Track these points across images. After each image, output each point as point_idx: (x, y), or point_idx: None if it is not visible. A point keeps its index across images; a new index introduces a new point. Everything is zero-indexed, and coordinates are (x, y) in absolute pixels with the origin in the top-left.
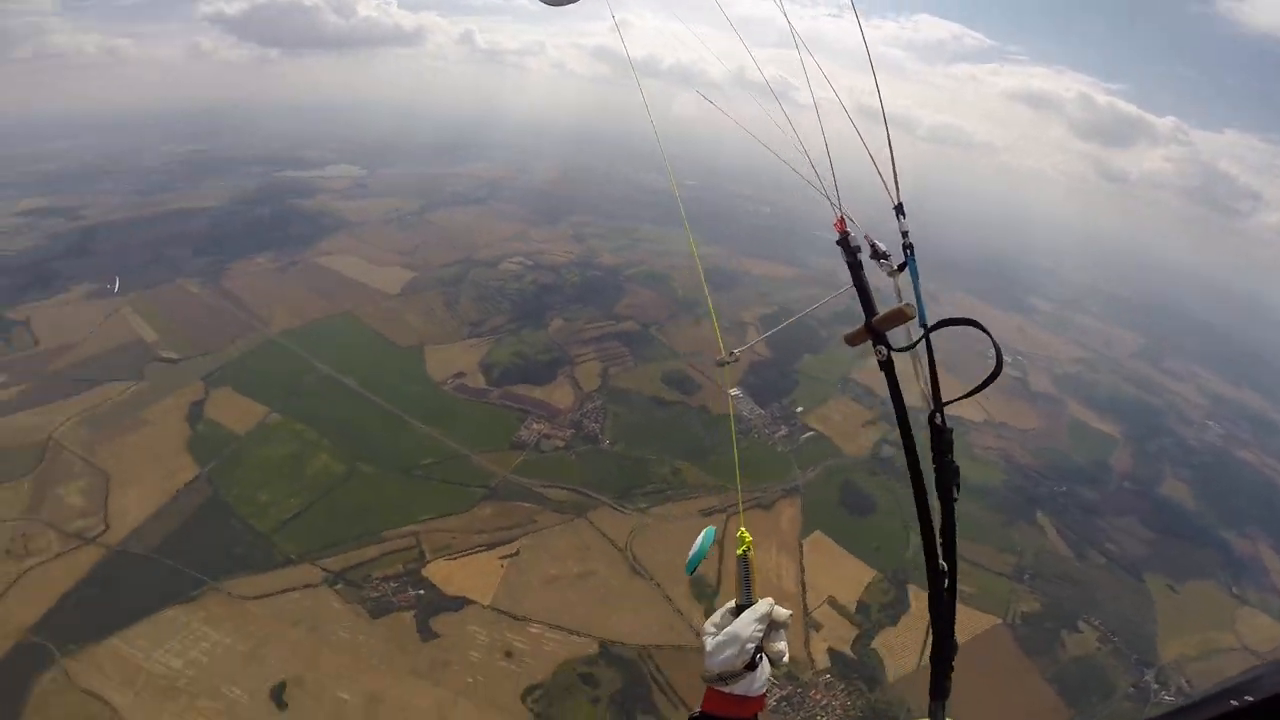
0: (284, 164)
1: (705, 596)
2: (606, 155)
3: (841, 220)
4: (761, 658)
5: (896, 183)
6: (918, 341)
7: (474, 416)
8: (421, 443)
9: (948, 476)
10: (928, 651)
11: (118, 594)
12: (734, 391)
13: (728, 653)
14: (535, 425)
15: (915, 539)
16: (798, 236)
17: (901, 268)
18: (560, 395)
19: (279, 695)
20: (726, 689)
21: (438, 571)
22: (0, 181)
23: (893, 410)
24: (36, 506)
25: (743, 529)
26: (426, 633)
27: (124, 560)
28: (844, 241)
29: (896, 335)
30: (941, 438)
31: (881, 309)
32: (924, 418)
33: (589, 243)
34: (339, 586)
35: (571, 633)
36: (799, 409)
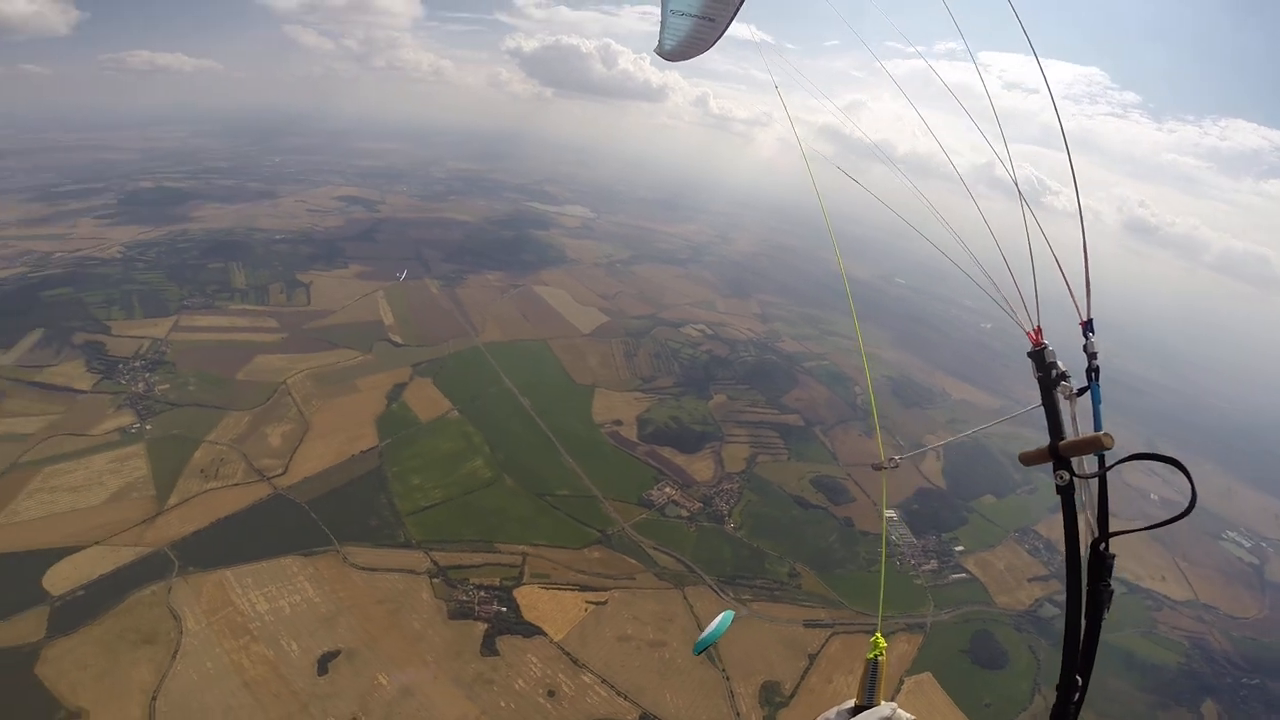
0: (533, 195)
1: (772, 704)
2: (813, 236)
3: (1038, 331)
4: None
5: (1089, 296)
6: (1108, 468)
7: (616, 465)
8: (563, 474)
9: (1101, 598)
10: None
11: (258, 532)
12: (890, 513)
13: None
14: (667, 489)
15: (1040, 702)
16: (1016, 364)
17: (1082, 392)
18: (701, 468)
19: (325, 662)
20: None
21: (526, 595)
22: (331, 169)
23: (1064, 557)
24: (244, 438)
25: (879, 634)
26: (489, 648)
27: (280, 504)
28: (1038, 355)
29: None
30: (1103, 564)
31: (1070, 434)
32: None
33: (773, 324)
34: (436, 580)
35: (620, 694)
36: (959, 548)
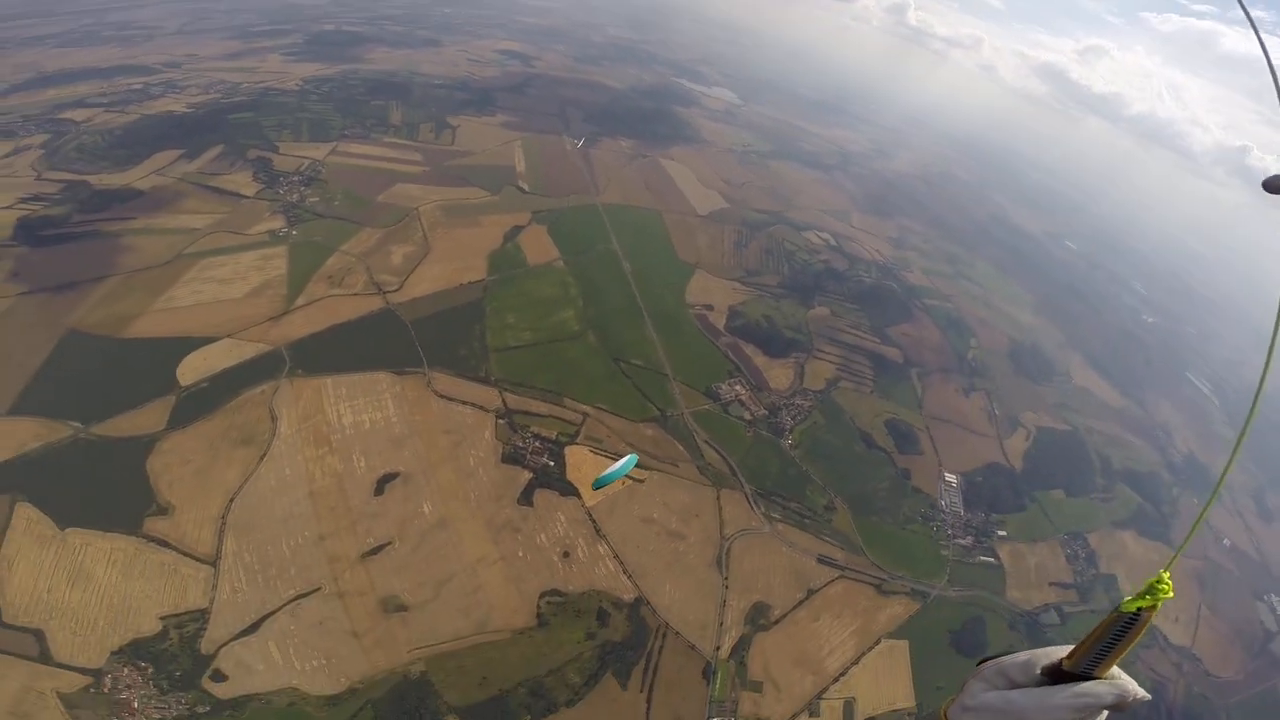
0: (683, 72)
1: (755, 624)
2: (987, 174)
3: None
4: None
5: None
6: None
7: (695, 348)
8: (642, 345)
9: None
10: None
11: (363, 343)
12: (950, 477)
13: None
14: (738, 387)
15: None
16: (1162, 367)
17: None
18: (779, 375)
19: (384, 483)
20: None
21: (575, 455)
22: (496, 23)
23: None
24: (371, 253)
25: (1167, 574)
26: (526, 498)
27: (388, 319)
28: None
29: None
30: None
31: None
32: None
33: (906, 252)
34: (502, 421)
35: (626, 572)
36: (1001, 532)
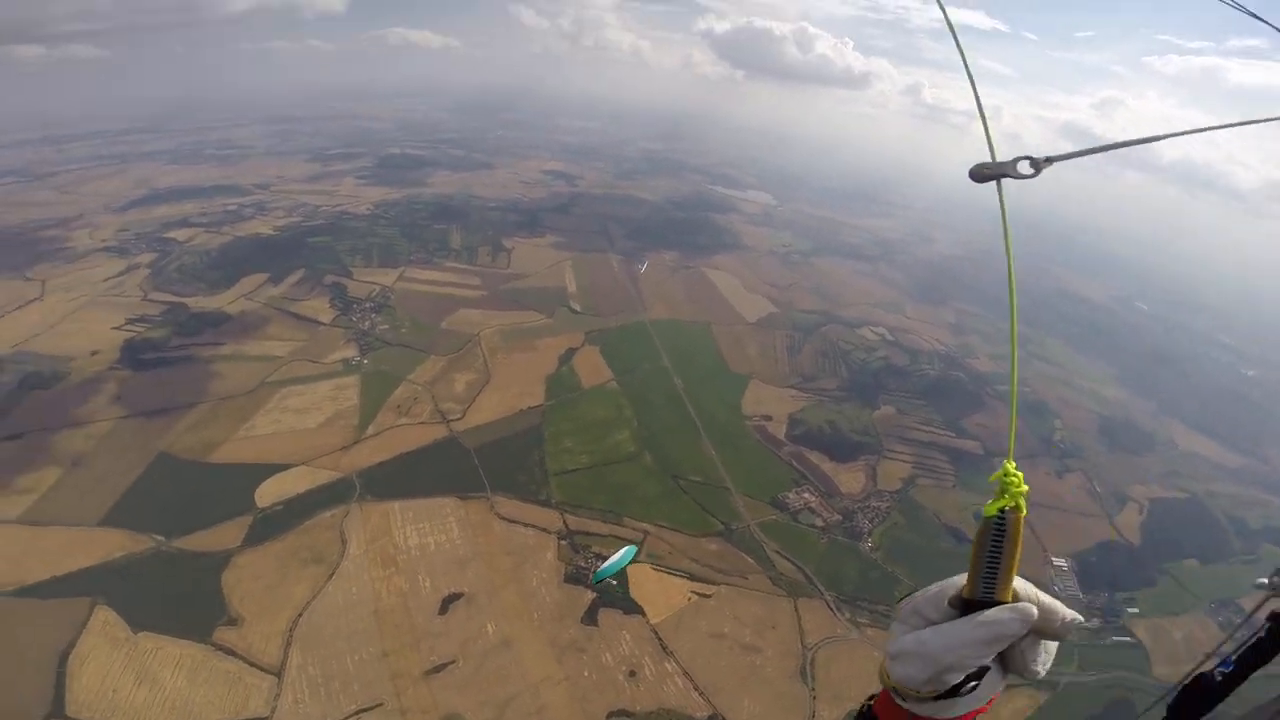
0: (716, 178)
1: None
2: (1038, 245)
3: None
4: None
5: None
6: None
7: (755, 460)
8: (699, 460)
9: None
10: None
11: (428, 470)
12: (1059, 561)
13: (909, 670)
14: (806, 494)
15: None
16: (1276, 418)
17: None
18: (849, 479)
19: (448, 603)
20: (904, 705)
21: (637, 573)
22: (541, 144)
23: None
24: (435, 381)
25: (1011, 464)
26: (590, 617)
27: (452, 447)
28: None
29: None
30: None
31: None
32: None
33: (968, 338)
34: (563, 542)
35: (697, 689)
36: (1133, 610)
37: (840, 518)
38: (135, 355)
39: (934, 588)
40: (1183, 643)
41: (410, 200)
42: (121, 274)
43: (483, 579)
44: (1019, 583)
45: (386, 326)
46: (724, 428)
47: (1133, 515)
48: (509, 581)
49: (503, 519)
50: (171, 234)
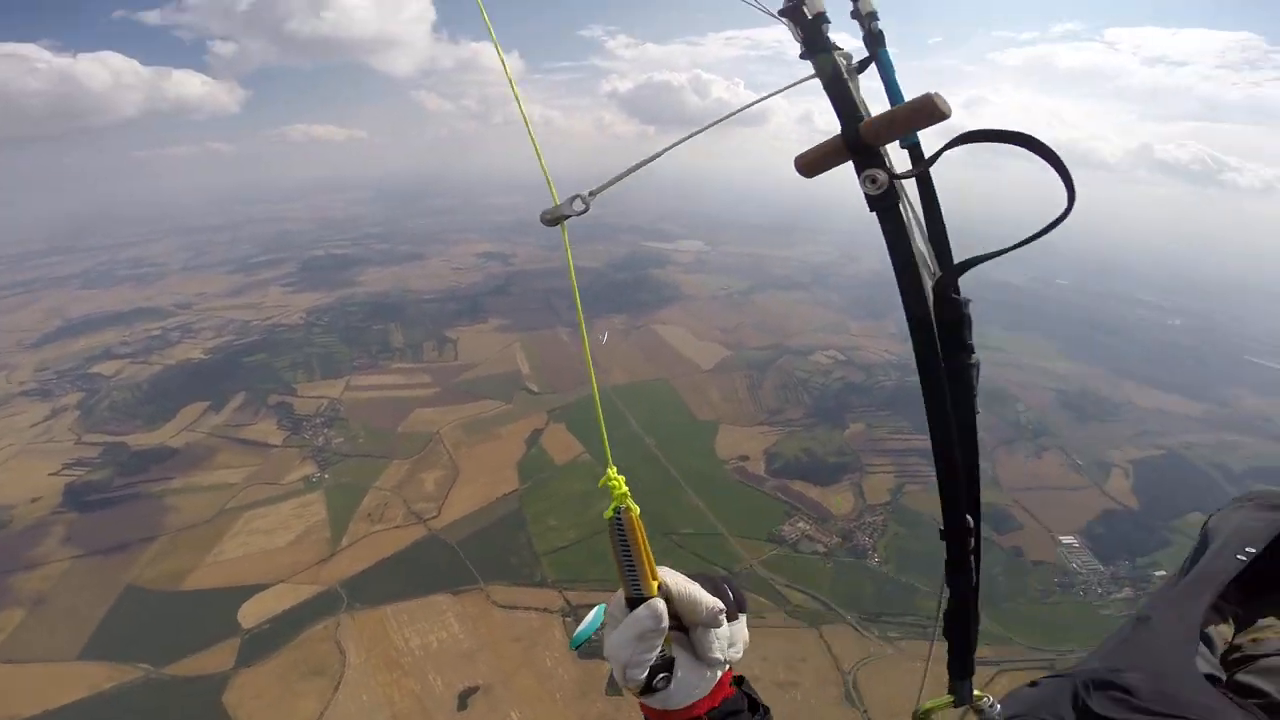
0: (648, 234)
1: None
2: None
3: None
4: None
5: None
6: (938, 155)
7: (743, 501)
8: (687, 513)
9: (967, 378)
10: None
11: (414, 571)
12: (1067, 539)
13: (614, 666)
14: (800, 524)
15: None
16: (1218, 362)
17: (864, 65)
18: (838, 501)
19: (465, 697)
20: (641, 700)
21: None
22: (469, 227)
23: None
24: (403, 484)
25: (613, 470)
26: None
27: (434, 544)
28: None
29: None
30: (957, 316)
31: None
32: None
33: None
34: (568, 618)
35: None
36: (1160, 572)
37: (840, 540)
38: (79, 498)
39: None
40: None
41: (343, 303)
42: (48, 418)
43: (494, 668)
44: (669, 577)
45: (342, 439)
46: (704, 476)
47: (1120, 480)
48: (521, 666)
49: (501, 606)
50: (96, 369)
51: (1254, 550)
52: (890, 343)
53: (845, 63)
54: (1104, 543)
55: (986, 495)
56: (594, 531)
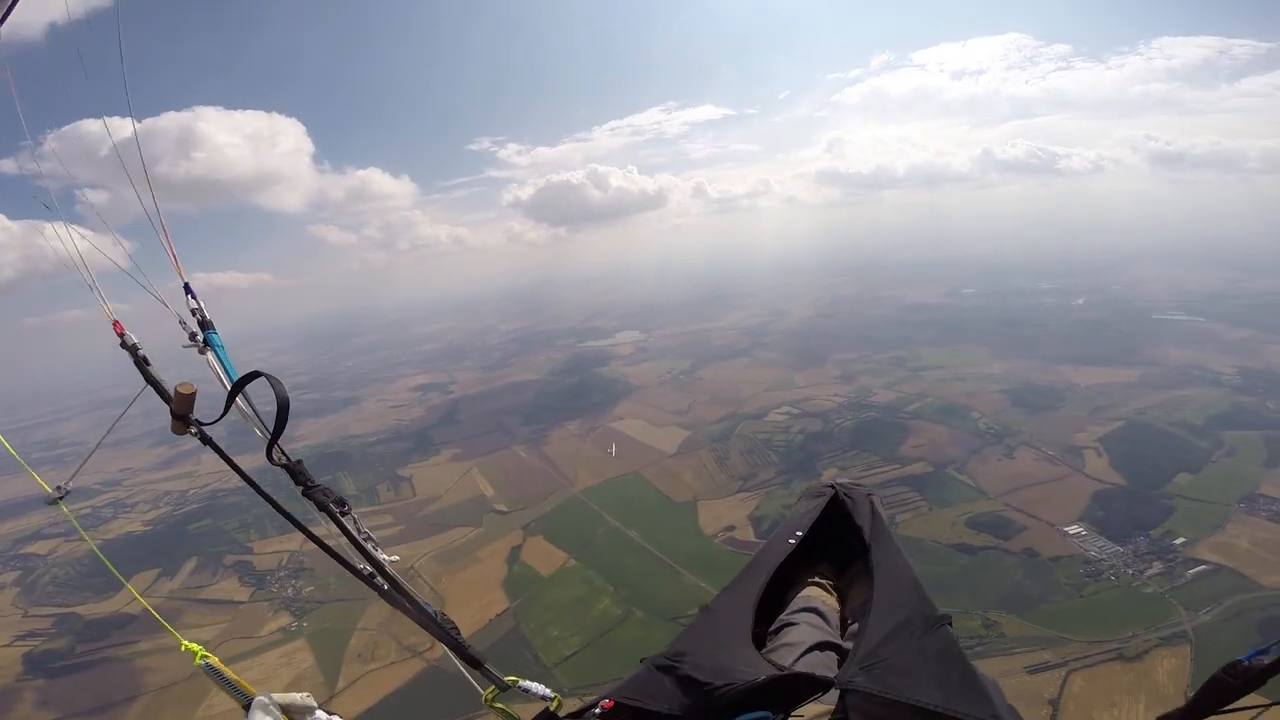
0: (584, 334)
1: None
2: (862, 280)
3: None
4: None
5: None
6: (226, 409)
7: (740, 569)
8: (691, 592)
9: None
10: None
11: (426, 703)
12: (1073, 529)
13: None
14: (938, 607)
15: None
16: (1131, 327)
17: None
18: None
19: None
20: None
21: None
22: (401, 360)
23: None
24: (389, 622)
25: (183, 644)
26: None
27: (437, 674)
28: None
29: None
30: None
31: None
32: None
33: (859, 381)
34: None
35: None
36: (1179, 540)
37: None
38: (42, 665)
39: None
40: (1258, 548)
41: None
42: None
43: None
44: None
45: (312, 588)
46: (696, 555)
47: (1096, 461)
48: None
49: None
50: (28, 549)
51: (801, 533)
52: (837, 386)
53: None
54: (1109, 524)
55: (975, 505)
56: (601, 632)
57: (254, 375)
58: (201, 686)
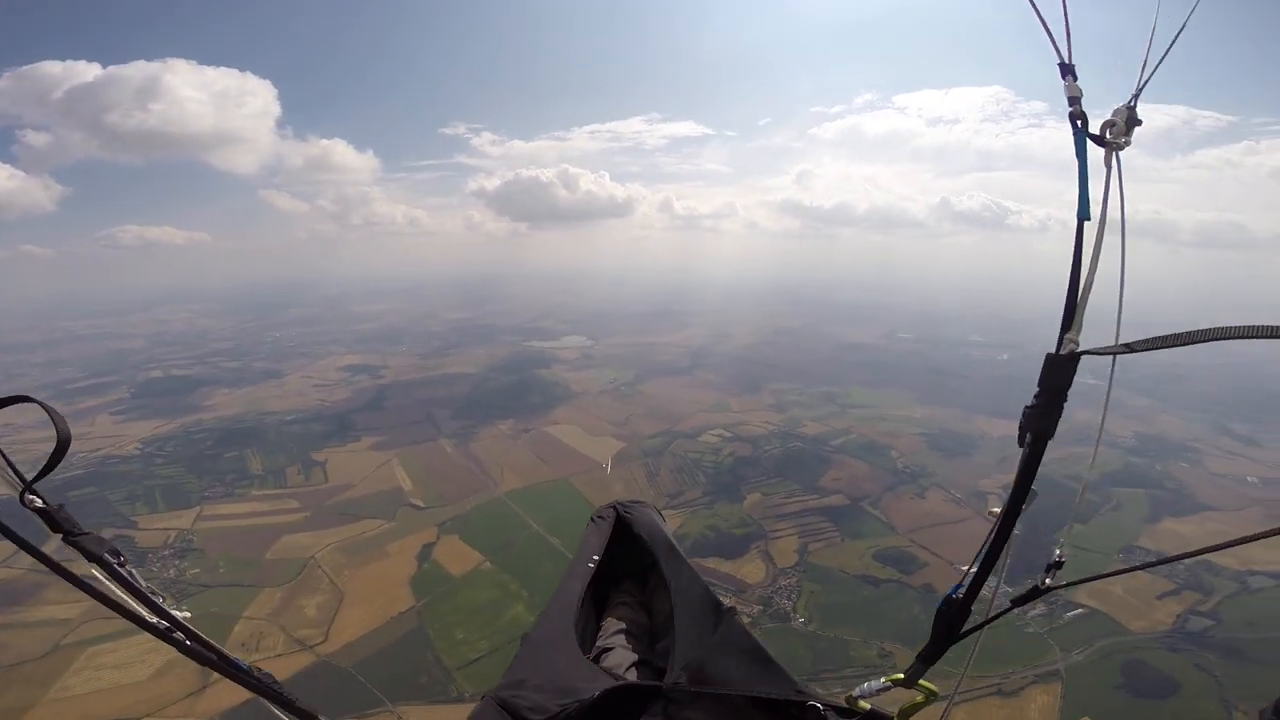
0: (530, 333)
1: None
2: (806, 313)
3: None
4: None
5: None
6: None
7: None
8: None
9: None
10: None
11: (308, 697)
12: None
13: None
14: (721, 598)
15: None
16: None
17: None
18: (751, 570)
19: None
20: None
21: None
22: (334, 338)
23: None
24: (280, 612)
25: None
26: None
27: (326, 669)
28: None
29: None
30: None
31: None
32: None
33: (791, 411)
34: None
35: None
36: (1051, 581)
37: (761, 607)
38: None
39: None
40: (1129, 595)
41: (187, 431)
42: None
43: None
44: None
45: (198, 570)
46: None
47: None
48: None
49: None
50: None
51: (597, 557)
52: (769, 414)
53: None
54: (1059, 577)
55: (884, 540)
56: (509, 638)
57: (18, 399)
58: (57, 665)
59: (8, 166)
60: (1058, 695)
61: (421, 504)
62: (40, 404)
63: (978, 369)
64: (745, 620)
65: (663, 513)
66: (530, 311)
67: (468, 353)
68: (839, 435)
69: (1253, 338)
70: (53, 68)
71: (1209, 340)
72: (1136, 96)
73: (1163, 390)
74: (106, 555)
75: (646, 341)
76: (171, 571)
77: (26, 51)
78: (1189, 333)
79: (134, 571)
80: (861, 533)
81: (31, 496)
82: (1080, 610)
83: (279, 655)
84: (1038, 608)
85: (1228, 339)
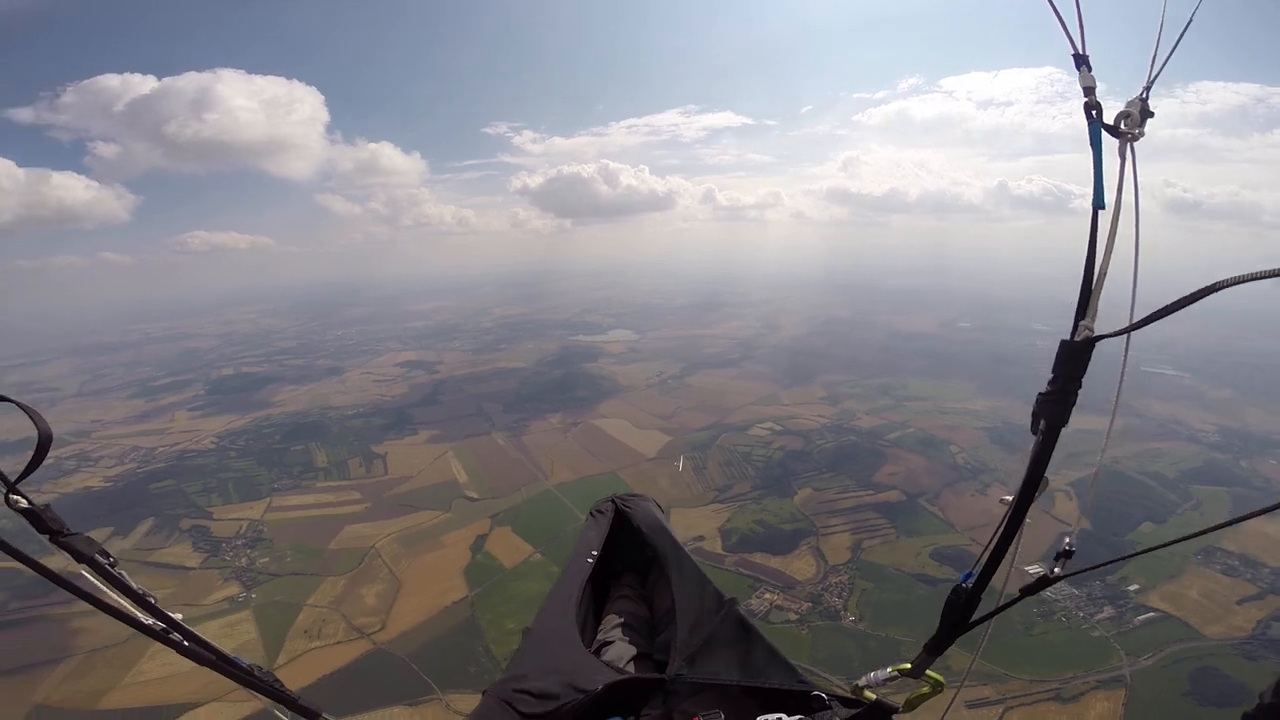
0: (577, 328)
1: None
2: (858, 302)
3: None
4: None
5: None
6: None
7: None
8: None
9: None
10: None
11: (364, 685)
12: (1032, 568)
13: None
14: (768, 595)
15: None
16: (1112, 373)
17: None
18: (800, 567)
19: None
20: None
21: None
22: (389, 335)
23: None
24: (341, 600)
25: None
26: None
27: (382, 657)
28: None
29: None
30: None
31: None
32: None
33: (844, 404)
34: None
35: None
36: (1133, 587)
37: (810, 604)
38: None
39: None
40: (1206, 599)
41: (258, 425)
42: None
43: None
44: None
45: (267, 559)
46: None
47: (1065, 503)
48: None
49: (464, 715)
50: None
51: (596, 552)
52: (822, 407)
53: None
54: (1068, 566)
55: (942, 538)
56: None
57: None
58: (134, 651)
59: (83, 178)
60: (1120, 702)
61: (475, 495)
62: (17, 403)
63: (1041, 359)
64: (792, 618)
65: (663, 507)
66: (577, 306)
67: (518, 348)
68: (895, 429)
69: (1253, 280)
70: (110, 80)
71: (1211, 293)
72: (1148, 89)
73: (1248, 380)
74: (97, 556)
75: (693, 334)
76: (243, 560)
77: (83, 65)
78: (1191, 294)
79: (124, 573)
80: (918, 530)
81: (16, 497)
82: (1152, 614)
83: (339, 643)
84: (1106, 610)
85: (1227, 287)
